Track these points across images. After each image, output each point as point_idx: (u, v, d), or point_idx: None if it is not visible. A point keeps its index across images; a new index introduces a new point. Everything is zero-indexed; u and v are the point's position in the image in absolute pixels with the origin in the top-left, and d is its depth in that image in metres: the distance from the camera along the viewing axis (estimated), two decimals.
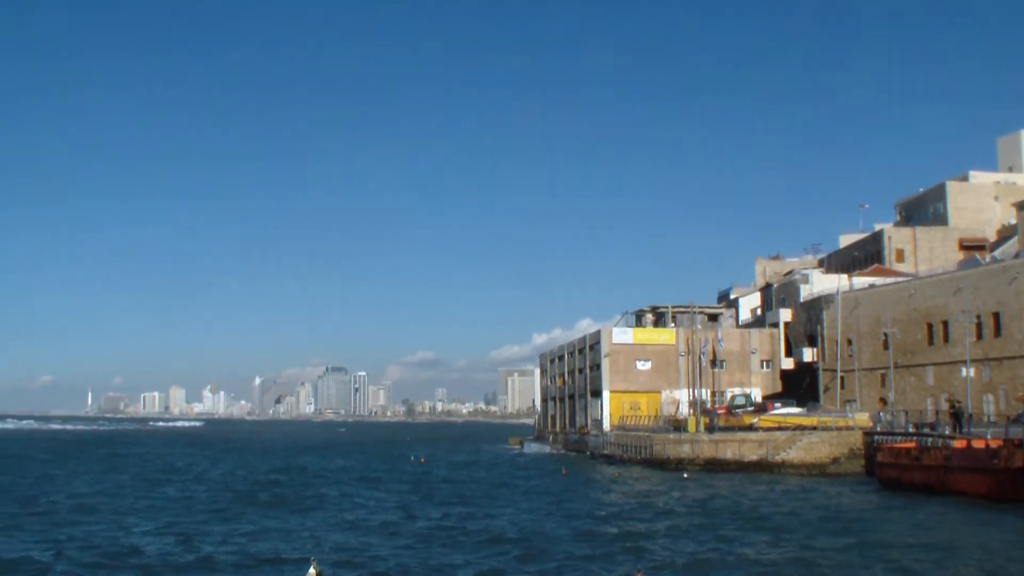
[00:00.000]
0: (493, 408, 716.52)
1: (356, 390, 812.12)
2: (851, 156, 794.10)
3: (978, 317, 79.43)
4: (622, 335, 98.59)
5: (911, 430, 67.96)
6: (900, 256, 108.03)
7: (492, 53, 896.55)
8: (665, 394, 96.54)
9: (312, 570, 27.39)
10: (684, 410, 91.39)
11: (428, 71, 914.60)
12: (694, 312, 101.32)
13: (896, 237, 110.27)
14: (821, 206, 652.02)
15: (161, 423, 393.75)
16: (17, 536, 38.08)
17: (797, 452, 73.43)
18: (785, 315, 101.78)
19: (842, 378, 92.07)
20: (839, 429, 74.93)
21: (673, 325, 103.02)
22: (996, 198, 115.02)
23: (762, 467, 72.74)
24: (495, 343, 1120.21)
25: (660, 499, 53.84)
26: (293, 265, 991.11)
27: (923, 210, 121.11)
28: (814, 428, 75.56)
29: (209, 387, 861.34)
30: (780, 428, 76.66)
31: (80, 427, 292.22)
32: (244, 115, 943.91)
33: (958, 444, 54.29)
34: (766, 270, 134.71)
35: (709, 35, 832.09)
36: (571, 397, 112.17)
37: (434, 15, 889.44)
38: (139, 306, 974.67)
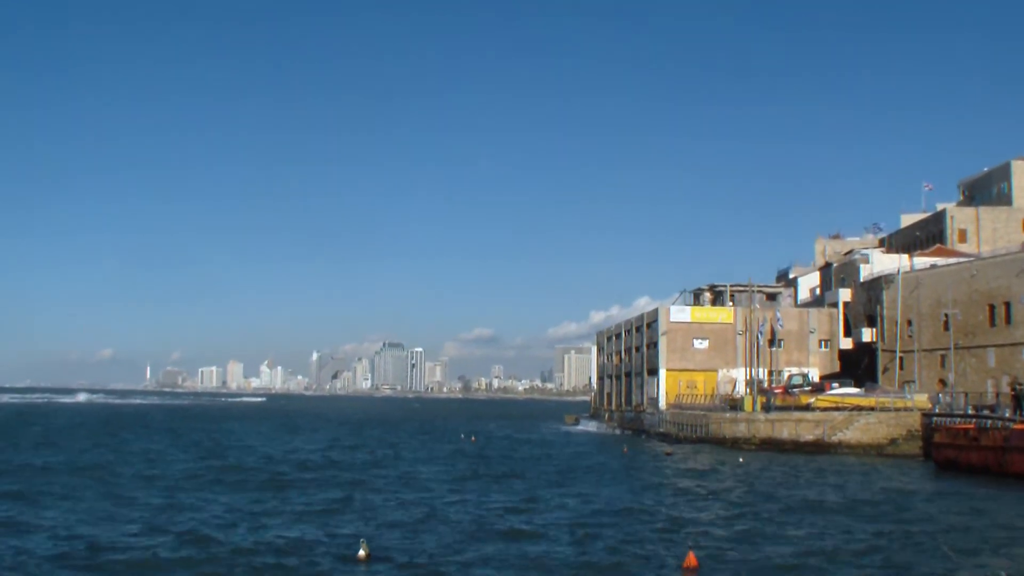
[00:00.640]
0: (549, 385, 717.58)
1: (413, 366, 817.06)
2: (915, 134, 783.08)
3: None
4: (680, 313, 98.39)
5: (970, 412, 67.39)
6: (963, 236, 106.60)
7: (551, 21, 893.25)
8: (722, 373, 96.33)
9: (361, 551, 27.96)
10: (741, 389, 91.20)
11: (488, 42, 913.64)
12: (752, 291, 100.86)
13: (959, 217, 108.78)
14: (883, 185, 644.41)
15: (225, 398, 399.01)
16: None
17: (854, 432, 73.16)
18: (844, 295, 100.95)
19: (901, 359, 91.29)
20: (897, 410, 74.46)
21: (731, 304, 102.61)
22: None
23: (818, 447, 72.58)
24: (552, 320, 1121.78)
25: (715, 478, 54.11)
26: (352, 241, 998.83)
27: (987, 190, 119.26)
28: (872, 409, 75.18)
29: (267, 362, 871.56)
30: (837, 408, 76.35)
31: (153, 401, 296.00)
32: (311, 87, 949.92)
33: (1018, 426, 53.91)
34: (826, 249, 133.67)
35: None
36: (627, 375, 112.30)
37: None
38: (198, 281, 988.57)
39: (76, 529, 32.83)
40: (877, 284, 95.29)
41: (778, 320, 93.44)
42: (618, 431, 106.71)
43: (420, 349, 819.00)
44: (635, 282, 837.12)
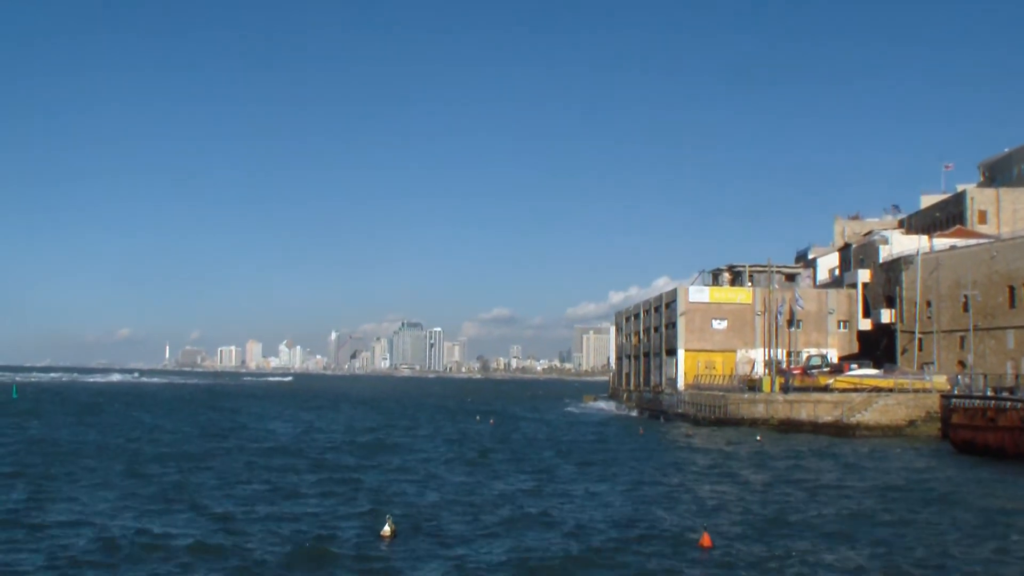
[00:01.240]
0: (568, 365, 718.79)
1: (431, 346, 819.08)
2: (935, 115, 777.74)
3: None
4: (698, 294, 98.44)
5: (989, 393, 67.41)
6: (983, 218, 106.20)
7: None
8: (740, 353, 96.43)
9: (387, 527, 28.35)
10: (759, 370, 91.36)
11: (515, 25, 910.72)
12: (771, 271, 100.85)
13: (979, 198, 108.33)
14: (902, 166, 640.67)
15: (250, 378, 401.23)
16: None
17: (873, 414, 73.29)
18: (864, 276, 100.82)
19: (920, 340, 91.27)
20: (916, 391, 74.57)
21: (750, 284, 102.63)
22: None
23: (837, 428, 72.72)
24: (571, 300, 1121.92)
25: (733, 459, 54.42)
26: (371, 220, 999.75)
27: (1008, 171, 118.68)
28: (890, 390, 75.27)
29: (285, 342, 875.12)
30: (856, 389, 76.46)
31: (193, 381, 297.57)
32: (333, 62, 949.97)
33: None
34: (845, 230, 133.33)
35: None
36: (646, 355, 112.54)
37: None
38: (216, 260, 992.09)
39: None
40: (896, 265, 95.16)
41: (797, 301, 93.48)
42: (636, 412, 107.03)
43: (439, 329, 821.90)
44: (654, 262, 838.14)
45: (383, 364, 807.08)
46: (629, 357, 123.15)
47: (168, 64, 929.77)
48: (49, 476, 41.49)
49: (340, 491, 38.01)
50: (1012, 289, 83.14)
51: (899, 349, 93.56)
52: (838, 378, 79.72)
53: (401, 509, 33.00)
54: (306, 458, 51.85)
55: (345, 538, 28.11)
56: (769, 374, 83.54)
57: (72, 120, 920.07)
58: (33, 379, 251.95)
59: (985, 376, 76.07)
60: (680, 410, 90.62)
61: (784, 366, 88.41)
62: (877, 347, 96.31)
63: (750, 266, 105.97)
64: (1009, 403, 59.30)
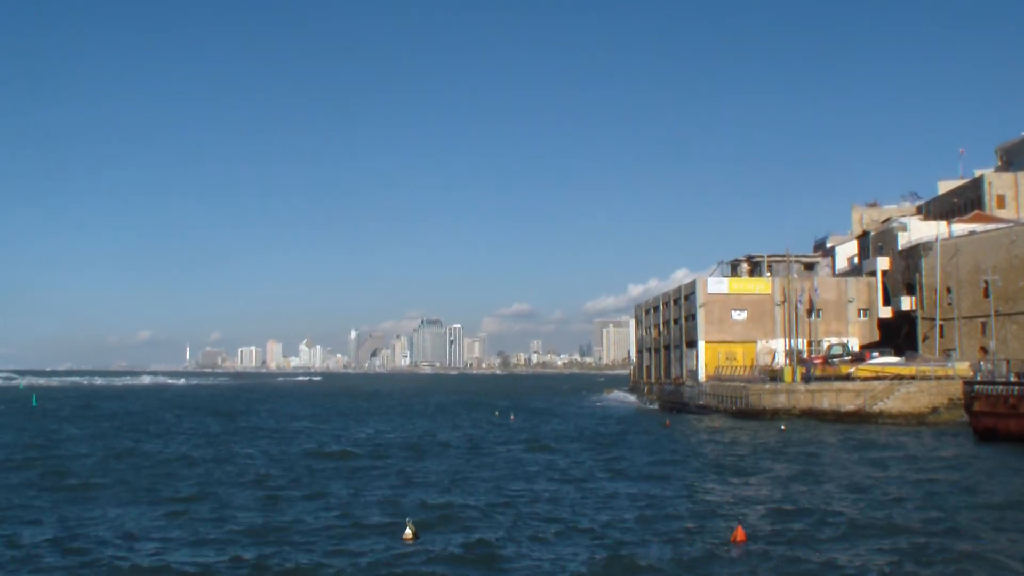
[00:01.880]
0: (588, 359, 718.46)
1: (451, 342, 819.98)
2: (952, 101, 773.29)
3: None
4: (717, 285, 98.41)
5: (1012, 379, 67.24)
6: (1001, 202, 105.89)
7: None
8: (761, 344, 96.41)
9: (408, 531, 28.32)
10: (780, 360, 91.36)
11: (526, 27, 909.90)
12: (790, 261, 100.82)
13: (997, 183, 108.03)
14: (920, 152, 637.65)
15: (281, 378, 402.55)
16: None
17: (895, 402, 73.29)
18: (883, 263, 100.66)
19: (941, 327, 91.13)
20: (938, 378, 74.54)
21: (769, 274, 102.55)
22: None
23: (859, 417, 72.78)
24: (591, 294, 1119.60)
25: (760, 450, 54.55)
26: (389, 218, 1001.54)
27: None
28: (912, 378, 75.28)
29: (305, 341, 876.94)
30: (878, 378, 76.47)
31: (223, 381, 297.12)
32: (346, 53, 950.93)
33: None
34: (863, 218, 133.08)
35: None
36: (666, 348, 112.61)
37: None
38: (237, 261, 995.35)
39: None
40: (915, 252, 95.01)
41: (816, 290, 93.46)
42: (657, 404, 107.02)
43: (458, 325, 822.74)
44: (672, 254, 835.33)
45: (403, 362, 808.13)
46: (649, 350, 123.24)
47: (177, 58, 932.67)
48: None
49: (369, 493, 38.24)
50: None
51: (920, 336, 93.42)
52: (860, 367, 79.71)
53: (424, 511, 33.15)
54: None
55: (366, 541, 28.30)
56: (790, 364, 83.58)
57: (93, 118, 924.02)
58: (56, 383, 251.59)
59: (1008, 361, 75.79)
60: (701, 402, 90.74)
61: (805, 356, 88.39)
62: (898, 335, 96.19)
63: (768, 256, 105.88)
64: None
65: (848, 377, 78.37)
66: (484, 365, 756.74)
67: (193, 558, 25.91)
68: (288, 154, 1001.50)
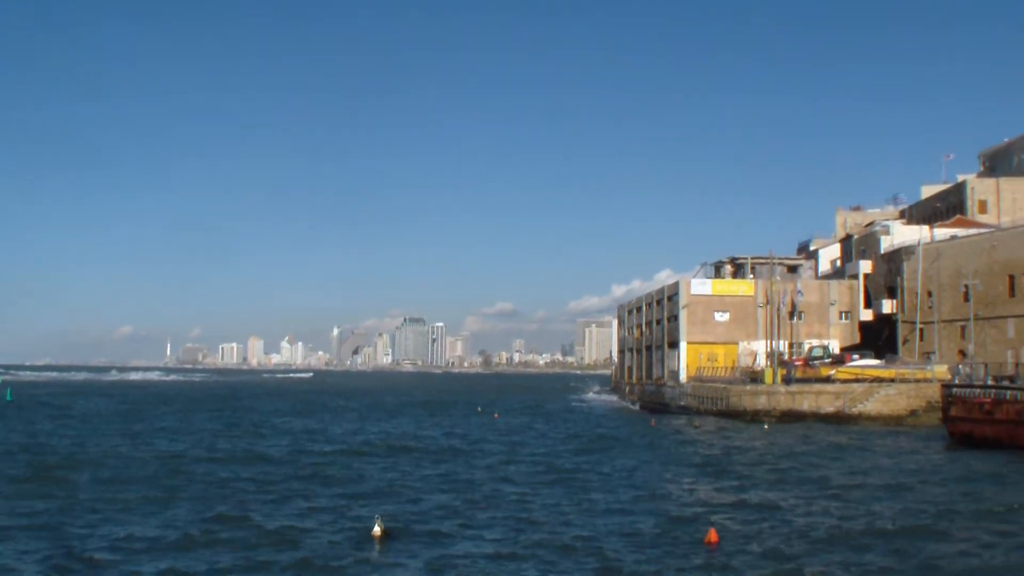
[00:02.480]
0: (571, 359, 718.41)
1: (433, 341, 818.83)
2: (935, 106, 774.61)
3: None
4: (700, 286, 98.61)
5: (990, 383, 67.60)
6: (983, 207, 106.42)
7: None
8: (743, 345, 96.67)
9: (376, 528, 28.02)
10: (761, 362, 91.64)
11: (523, 24, 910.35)
12: (773, 263, 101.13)
13: (979, 188, 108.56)
14: (903, 157, 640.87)
15: (268, 375, 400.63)
16: None
17: (874, 404, 73.66)
18: (865, 267, 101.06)
19: (921, 330, 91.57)
20: (917, 381, 74.93)
21: (752, 276, 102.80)
22: None
23: (839, 419, 73.08)
24: (574, 294, 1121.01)
25: (737, 452, 54.73)
26: (372, 215, 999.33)
27: (1008, 160, 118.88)
28: (892, 380, 75.66)
29: (287, 338, 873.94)
30: (857, 380, 76.84)
31: (216, 378, 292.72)
32: (321, 79, 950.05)
33: None
34: (847, 221, 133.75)
35: None
36: (648, 348, 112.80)
37: None
38: (216, 257, 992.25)
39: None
40: (897, 256, 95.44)
41: (799, 292, 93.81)
42: (638, 405, 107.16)
43: (441, 324, 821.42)
44: (656, 255, 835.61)
45: (385, 360, 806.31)
46: (632, 350, 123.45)
47: (176, 57, 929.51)
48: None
49: (345, 493, 38.09)
50: (1012, 278, 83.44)
51: (900, 339, 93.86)
52: (840, 369, 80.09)
53: (395, 509, 33.12)
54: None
55: (334, 540, 28.24)
56: (771, 366, 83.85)
57: (72, 113, 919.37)
58: (32, 378, 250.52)
59: (986, 365, 76.20)
60: (682, 402, 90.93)
61: (786, 358, 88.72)
62: (879, 337, 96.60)
63: (752, 258, 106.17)
64: (1009, 392, 59.47)
65: (828, 379, 78.73)
66: (466, 364, 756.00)
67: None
68: (271, 152, 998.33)
